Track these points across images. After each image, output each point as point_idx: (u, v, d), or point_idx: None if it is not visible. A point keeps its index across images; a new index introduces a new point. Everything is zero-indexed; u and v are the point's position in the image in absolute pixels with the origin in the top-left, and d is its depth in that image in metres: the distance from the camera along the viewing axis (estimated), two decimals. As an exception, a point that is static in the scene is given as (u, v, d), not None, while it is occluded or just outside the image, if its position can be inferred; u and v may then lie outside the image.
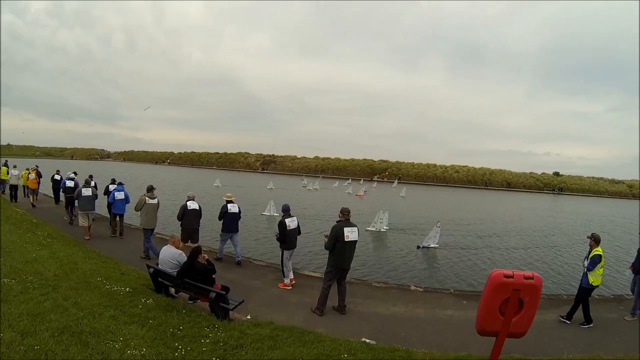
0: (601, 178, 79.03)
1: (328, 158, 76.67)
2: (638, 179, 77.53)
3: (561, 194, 66.12)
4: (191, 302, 5.45)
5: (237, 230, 8.00)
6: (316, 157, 78.49)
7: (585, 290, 5.79)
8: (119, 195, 9.80)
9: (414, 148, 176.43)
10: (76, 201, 9.96)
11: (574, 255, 12.99)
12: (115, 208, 9.86)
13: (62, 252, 6.90)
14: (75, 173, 12.96)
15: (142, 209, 7.97)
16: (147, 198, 7.99)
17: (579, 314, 5.87)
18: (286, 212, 6.72)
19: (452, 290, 7.32)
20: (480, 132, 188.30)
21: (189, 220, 7.79)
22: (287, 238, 6.58)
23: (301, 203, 23.21)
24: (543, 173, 76.93)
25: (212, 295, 4.72)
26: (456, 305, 6.43)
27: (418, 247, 12.19)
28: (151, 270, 5.38)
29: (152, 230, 8.10)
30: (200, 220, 8.18)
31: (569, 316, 5.89)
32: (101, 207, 11.65)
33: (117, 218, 9.99)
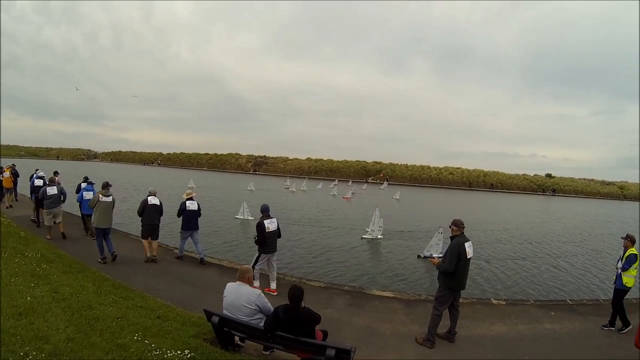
0: (592, 179, 79.92)
1: (321, 159, 76.06)
2: (625, 180, 79.65)
3: (555, 195, 66.60)
4: (267, 352, 4.24)
5: (197, 228, 7.89)
6: (308, 159, 77.82)
7: (621, 292, 5.66)
8: (88, 195, 9.16)
9: (400, 150, 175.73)
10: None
11: (597, 258, 12.92)
12: (84, 208, 9.27)
13: (67, 287, 4.94)
14: (39, 172, 12.16)
15: (95, 207, 7.37)
16: (100, 195, 7.37)
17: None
18: (265, 212, 6.03)
19: (532, 301, 6.97)
20: (466, 134, 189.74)
21: (149, 216, 7.51)
22: (266, 241, 5.89)
23: (277, 206, 21.85)
24: (535, 175, 77.35)
25: (331, 353, 3.28)
26: (548, 317, 6.06)
27: (419, 256, 11.24)
28: (215, 319, 3.82)
29: (106, 229, 7.37)
30: (161, 217, 7.89)
31: (611, 323, 5.73)
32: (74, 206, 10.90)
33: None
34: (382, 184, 51.45)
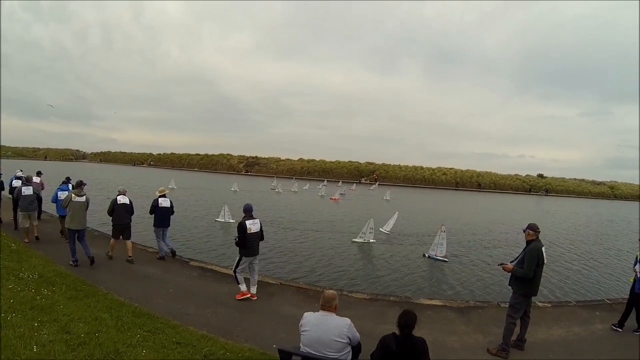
0: (582, 180, 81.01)
1: (313, 160, 75.80)
2: (614, 180, 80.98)
3: (547, 195, 67.53)
4: None
5: (168, 225, 7.92)
6: (300, 159, 77.52)
7: (638, 296, 5.55)
8: (62, 195, 8.60)
9: (390, 151, 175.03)
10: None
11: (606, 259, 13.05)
12: (59, 209, 8.76)
13: (79, 323, 3.90)
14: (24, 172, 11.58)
15: (67, 207, 6.94)
16: (73, 195, 6.96)
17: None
18: (247, 212, 5.74)
19: (574, 302, 6.89)
20: (456, 134, 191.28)
21: (119, 215, 7.39)
22: (247, 243, 5.60)
23: (260, 207, 21.20)
24: (527, 175, 78.38)
25: None
26: (595, 317, 6.04)
27: (424, 255, 11.28)
28: None
29: (79, 231, 7.00)
30: (132, 217, 7.76)
31: (621, 324, 5.66)
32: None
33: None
34: (372, 184, 51.28)
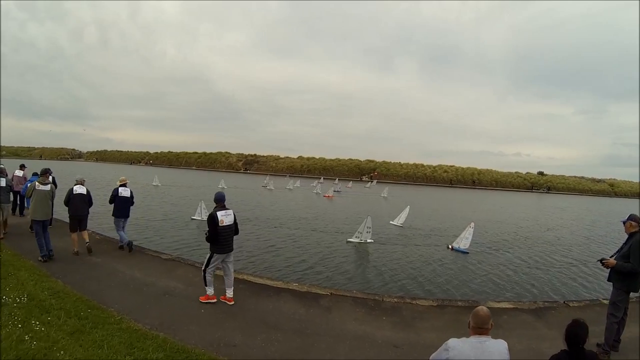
0: (582, 177, 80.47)
1: (313, 158, 75.06)
2: (613, 178, 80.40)
3: (548, 192, 67.34)
4: None
5: (128, 216, 7.61)
6: (300, 157, 76.78)
7: None
8: (33, 187, 7.90)
9: (387, 149, 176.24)
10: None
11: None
12: (28, 201, 8.15)
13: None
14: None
15: (31, 196, 6.40)
16: (37, 184, 6.43)
17: None
18: (219, 202, 4.81)
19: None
20: (452, 133, 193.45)
21: (75, 206, 6.80)
22: (220, 237, 4.69)
23: (247, 204, 20.57)
24: (528, 173, 77.98)
25: None
26: None
27: (448, 247, 11.64)
28: None
29: (44, 222, 6.35)
30: (89, 208, 7.19)
31: None
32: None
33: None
34: (369, 182, 50.48)
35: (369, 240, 11.68)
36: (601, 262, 4.41)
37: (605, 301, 5.89)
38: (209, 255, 4.83)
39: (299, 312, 4.84)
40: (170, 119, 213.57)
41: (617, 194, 72.33)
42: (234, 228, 4.89)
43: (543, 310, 5.67)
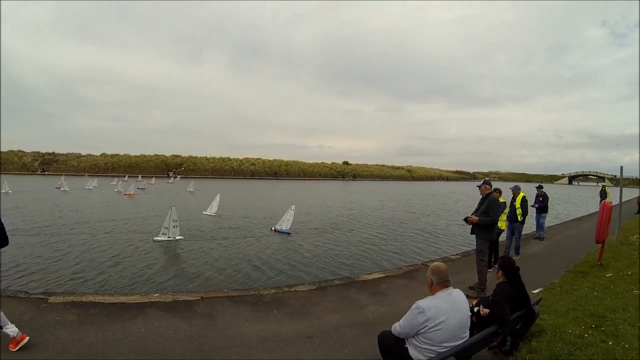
0: (383, 165, 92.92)
1: (117, 155, 70.59)
2: (409, 165, 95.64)
3: (355, 180, 73.20)
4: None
5: None
6: (103, 154, 70.98)
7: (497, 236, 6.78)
8: None
9: (191, 143, 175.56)
10: None
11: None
12: None
13: None
14: None
15: None
16: None
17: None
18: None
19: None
20: (257, 126, 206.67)
21: None
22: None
23: (37, 211, 17.09)
24: (333, 162, 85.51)
25: None
26: None
27: (271, 229, 12.35)
28: None
29: None
30: None
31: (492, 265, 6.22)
32: None
33: None
34: (173, 177, 51.63)
35: (177, 237, 10.51)
36: (465, 220, 5.14)
37: (454, 257, 7.51)
38: None
39: (181, 328, 4.11)
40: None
41: (414, 178, 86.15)
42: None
43: (411, 273, 6.38)
